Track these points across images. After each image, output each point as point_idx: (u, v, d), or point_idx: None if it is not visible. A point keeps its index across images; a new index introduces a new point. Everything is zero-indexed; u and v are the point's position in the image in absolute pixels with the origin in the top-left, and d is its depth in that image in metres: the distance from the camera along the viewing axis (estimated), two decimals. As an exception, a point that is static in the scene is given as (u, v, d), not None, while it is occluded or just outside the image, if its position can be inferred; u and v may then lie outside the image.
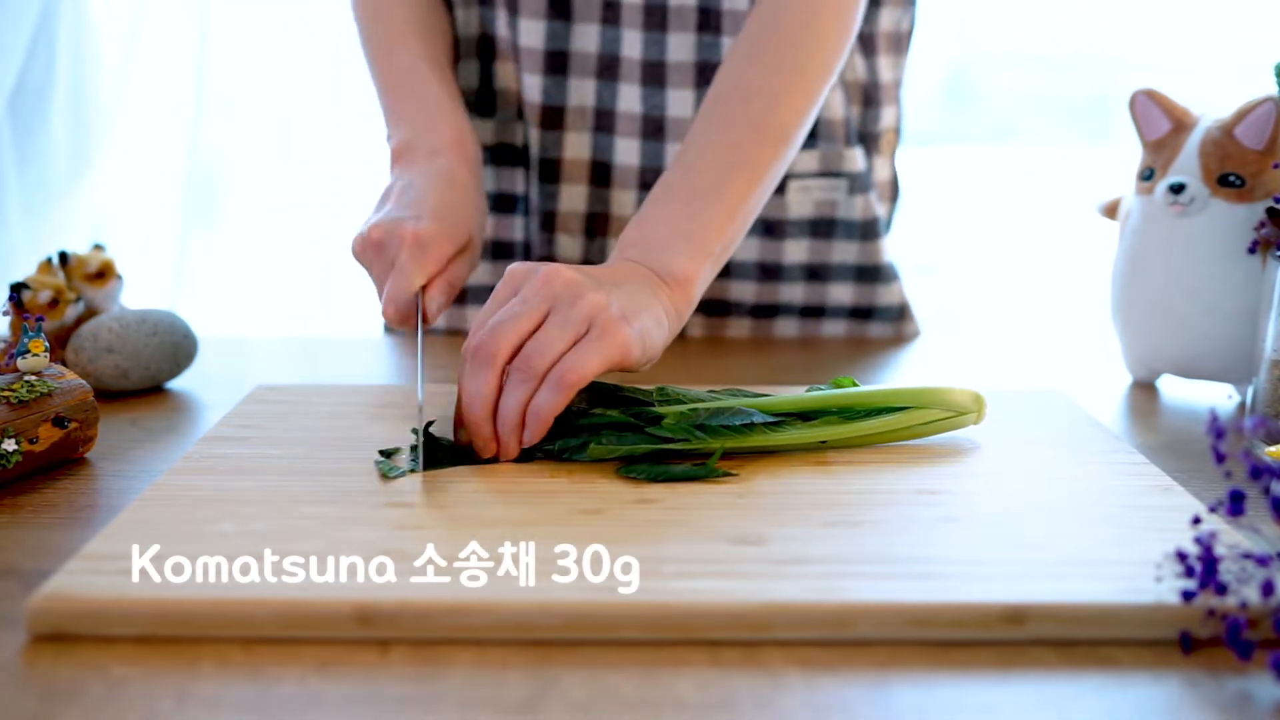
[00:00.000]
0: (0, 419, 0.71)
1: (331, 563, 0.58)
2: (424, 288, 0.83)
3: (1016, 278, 2.18)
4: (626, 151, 1.05)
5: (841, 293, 1.13)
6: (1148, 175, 0.94)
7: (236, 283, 1.92)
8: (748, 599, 0.55)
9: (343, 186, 1.94)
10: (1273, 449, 0.74)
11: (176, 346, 0.93)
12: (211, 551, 0.59)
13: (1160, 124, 0.93)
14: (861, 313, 1.14)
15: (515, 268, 0.76)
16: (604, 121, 1.05)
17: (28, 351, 0.75)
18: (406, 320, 0.82)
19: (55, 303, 0.93)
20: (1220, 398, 0.95)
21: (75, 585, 0.56)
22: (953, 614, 0.55)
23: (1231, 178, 0.89)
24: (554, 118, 1.05)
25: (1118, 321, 0.98)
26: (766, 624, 0.55)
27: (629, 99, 1.04)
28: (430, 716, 0.49)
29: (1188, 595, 0.55)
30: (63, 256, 0.97)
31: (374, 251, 0.84)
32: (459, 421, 0.74)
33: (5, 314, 0.91)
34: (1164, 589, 0.57)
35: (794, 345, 1.12)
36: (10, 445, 0.71)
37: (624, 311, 0.74)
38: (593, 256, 1.11)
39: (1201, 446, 0.83)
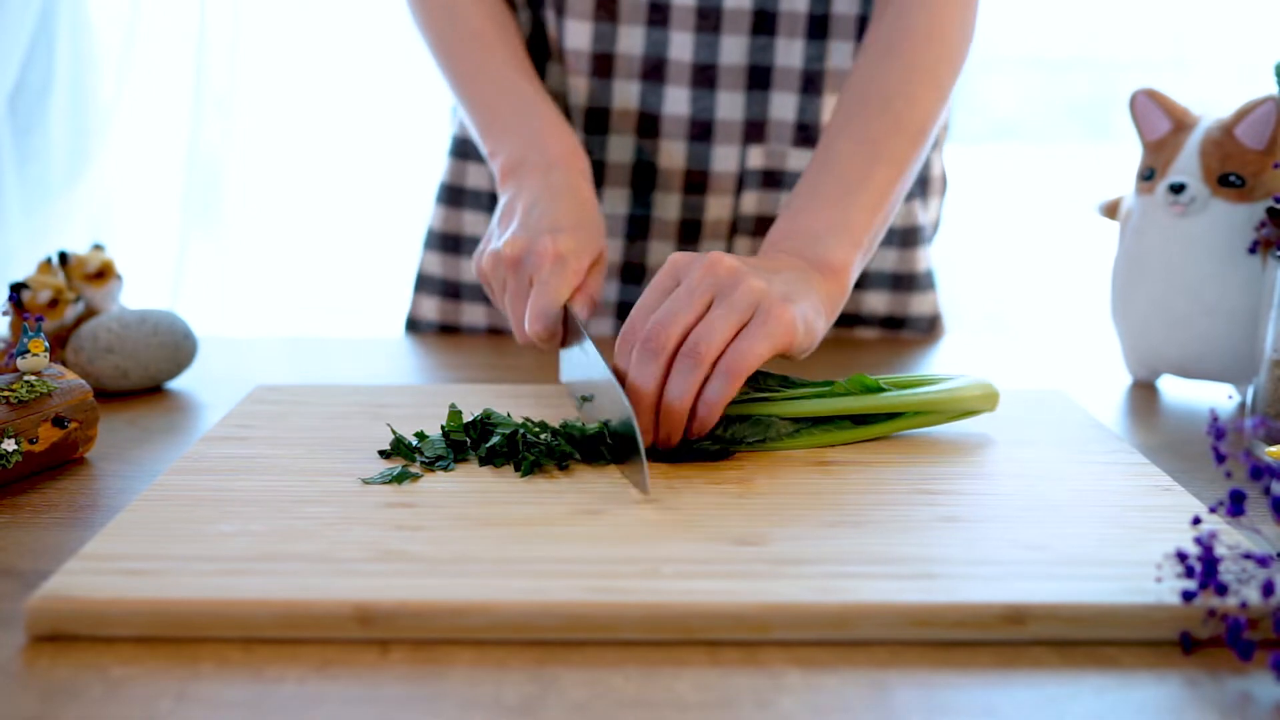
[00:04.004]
0: (0, 419, 0.71)
1: (331, 563, 0.58)
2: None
3: (1017, 278, 2.18)
4: (671, 154, 1.06)
5: (876, 301, 1.14)
6: (1148, 175, 0.94)
7: (236, 283, 1.92)
8: (748, 599, 0.55)
9: (342, 186, 1.94)
10: (1273, 449, 0.74)
11: (176, 346, 0.93)
12: (211, 551, 0.60)
13: (1160, 124, 0.93)
14: (895, 322, 1.15)
15: (677, 257, 0.76)
16: (648, 124, 1.05)
17: (27, 351, 0.75)
18: (554, 336, 0.81)
19: (55, 303, 0.93)
20: (1220, 398, 0.95)
21: (74, 585, 0.56)
22: (953, 614, 0.55)
23: (1232, 178, 0.89)
24: (599, 120, 1.06)
25: (1118, 321, 0.98)
26: (766, 624, 0.55)
27: (676, 101, 1.04)
28: (430, 716, 0.49)
29: (1188, 595, 0.55)
30: (62, 256, 0.97)
31: (510, 269, 0.83)
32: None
33: (5, 314, 0.91)
34: (1164, 589, 0.57)
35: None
36: (10, 445, 0.71)
37: (786, 296, 0.75)
38: (634, 259, 1.11)
39: (1202, 446, 0.83)
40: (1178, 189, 0.90)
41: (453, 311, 1.15)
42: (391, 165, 1.92)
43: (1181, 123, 0.92)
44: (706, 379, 0.72)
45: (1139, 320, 0.96)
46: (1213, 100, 0.94)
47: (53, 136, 1.71)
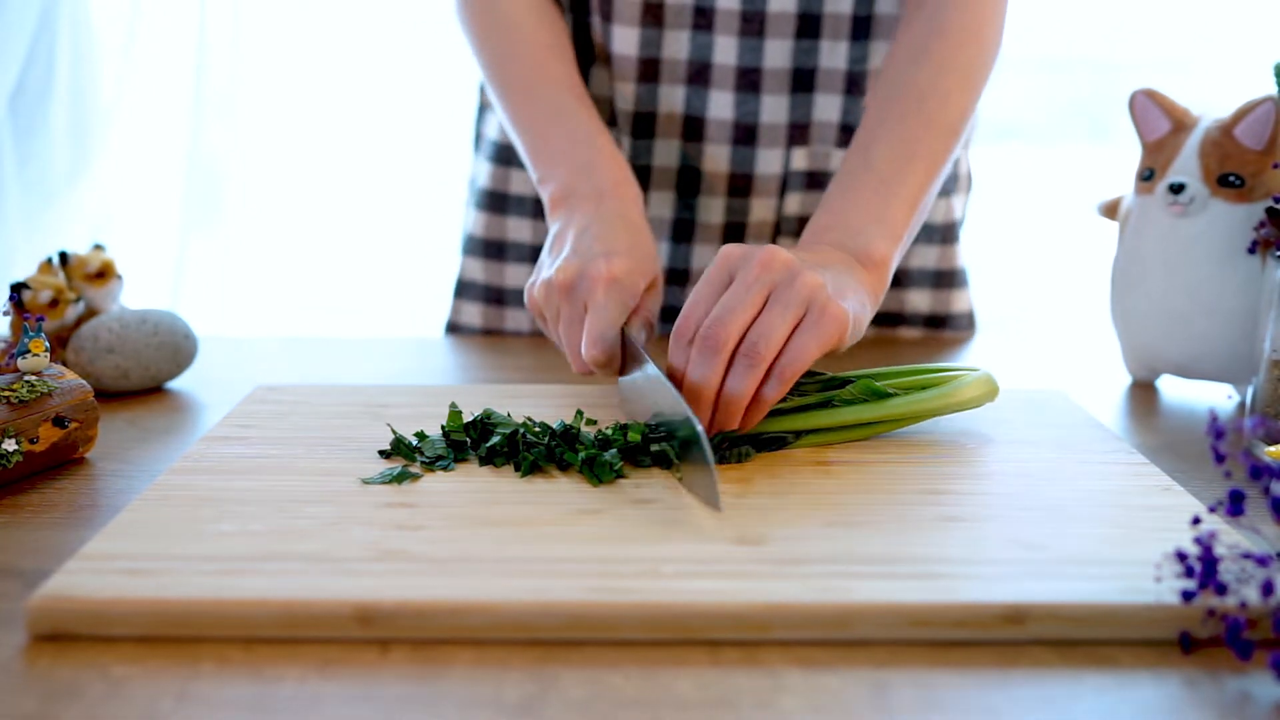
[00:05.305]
0: (0, 419, 0.71)
1: (331, 563, 0.58)
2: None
3: (1017, 278, 2.18)
4: (716, 158, 1.06)
5: (919, 299, 1.14)
6: (1148, 175, 0.94)
7: (237, 283, 1.92)
8: (748, 599, 0.55)
9: (343, 185, 1.94)
10: (1272, 449, 0.74)
11: (177, 347, 0.93)
12: (211, 551, 0.60)
13: (1160, 124, 0.93)
14: (937, 321, 1.15)
15: (730, 249, 0.76)
16: (693, 128, 1.06)
17: (28, 351, 0.75)
18: (612, 361, 0.80)
19: (55, 303, 0.93)
20: (1220, 398, 0.95)
21: (75, 585, 0.56)
22: (953, 614, 0.55)
23: (1231, 178, 0.89)
24: (645, 125, 1.06)
25: (1117, 321, 0.98)
26: (766, 624, 0.55)
27: (720, 105, 1.04)
28: (430, 716, 0.49)
29: (1187, 595, 0.55)
30: (63, 256, 0.97)
31: (563, 295, 0.82)
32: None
33: (5, 314, 0.91)
34: (1164, 589, 0.57)
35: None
36: (10, 445, 0.71)
37: (838, 290, 0.75)
38: (678, 264, 1.11)
39: (1201, 446, 0.83)
40: (1177, 189, 0.90)
41: (496, 317, 1.15)
42: (392, 164, 1.92)
43: (1181, 123, 0.93)
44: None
45: (1138, 320, 0.96)
46: (1212, 100, 0.94)
47: (53, 137, 1.71)
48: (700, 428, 0.67)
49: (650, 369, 0.75)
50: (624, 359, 0.80)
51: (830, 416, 0.76)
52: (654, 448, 0.73)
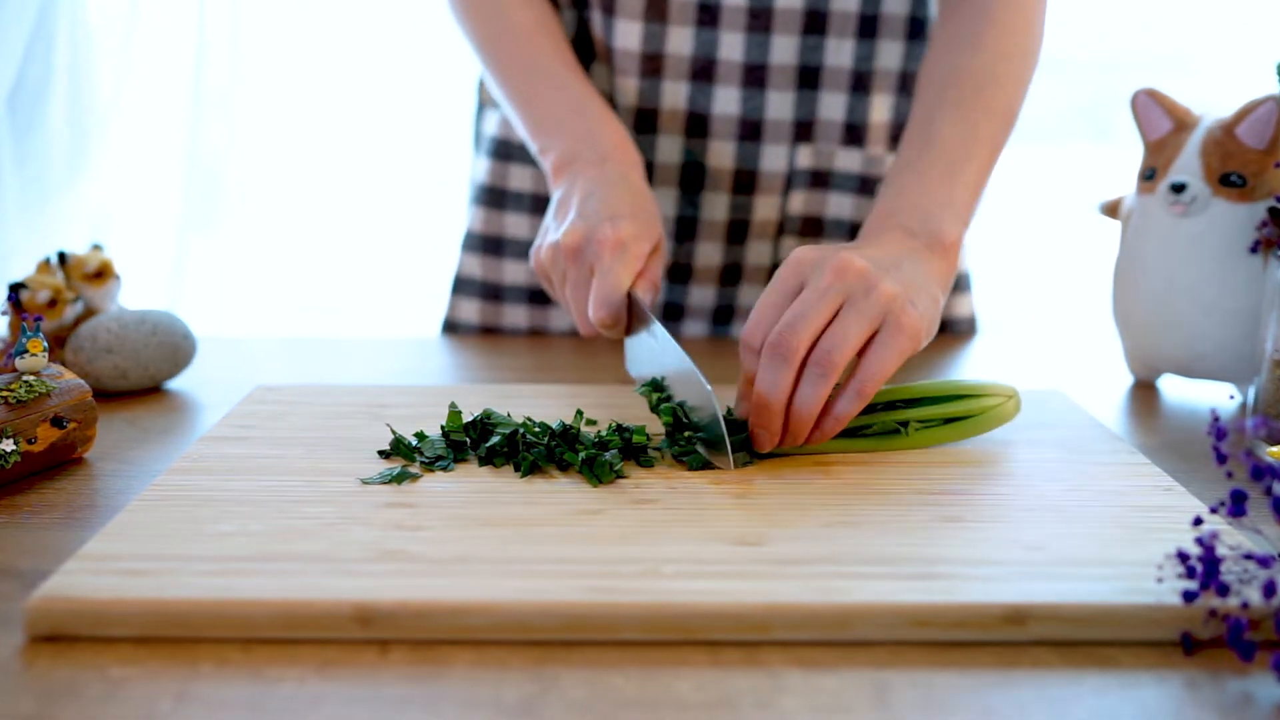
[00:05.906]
0: (-1, 419, 0.71)
1: (331, 563, 0.58)
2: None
3: (1018, 278, 2.18)
4: (720, 154, 1.06)
5: None
6: (1149, 175, 0.94)
7: (236, 283, 1.92)
8: (748, 599, 0.55)
9: (343, 185, 1.94)
10: (1274, 449, 0.74)
11: (175, 347, 0.93)
12: (211, 551, 0.59)
13: (1161, 123, 0.93)
14: (940, 326, 1.15)
15: (801, 253, 0.75)
16: (697, 124, 1.06)
17: (26, 351, 0.75)
18: (619, 322, 0.81)
19: (54, 303, 0.93)
20: (1221, 398, 0.95)
21: (74, 585, 0.56)
22: (953, 614, 0.55)
23: (1233, 177, 0.89)
24: (647, 120, 1.06)
25: (1119, 321, 0.98)
26: (766, 624, 0.55)
27: (725, 101, 1.04)
28: (430, 716, 0.49)
29: (1189, 596, 0.55)
30: (61, 256, 0.96)
31: (570, 259, 0.82)
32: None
33: (4, 314, 0.91)
34: (1165, 589, 0.56)
35: None
36: (9, 445, 0.71)
37: (912, 297, 0.74)
38: (681, 260, 1.11)
39: (1203, 446, 0.82)
40: (1179, 188, 0.90)
41: (493, 314, 1.15)
42: (392, 163, 1.93)
43: (1183, 122, 0.92)
44: (836, 388, 0.72)
45: (1140, 320, 0.96)
46: (1214, 100, 0.94)
47: (52, 136, 1.71)
48: (709, 387, 0.69)
49: (657, 328, 0.76)
50: (630, 320, 0.81)
51: (851, 444, 0.76)
52: (663, 406, 0.74)
